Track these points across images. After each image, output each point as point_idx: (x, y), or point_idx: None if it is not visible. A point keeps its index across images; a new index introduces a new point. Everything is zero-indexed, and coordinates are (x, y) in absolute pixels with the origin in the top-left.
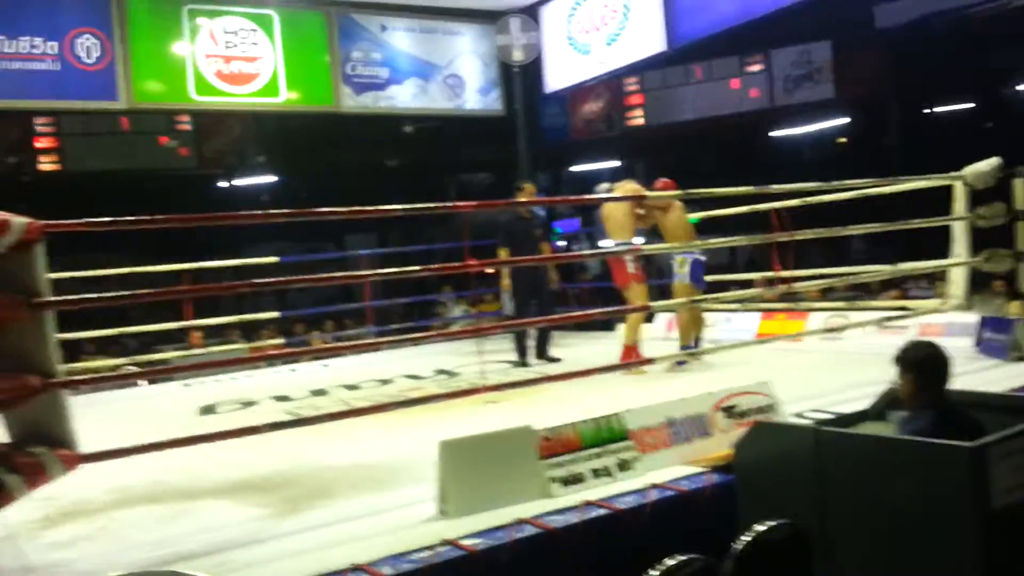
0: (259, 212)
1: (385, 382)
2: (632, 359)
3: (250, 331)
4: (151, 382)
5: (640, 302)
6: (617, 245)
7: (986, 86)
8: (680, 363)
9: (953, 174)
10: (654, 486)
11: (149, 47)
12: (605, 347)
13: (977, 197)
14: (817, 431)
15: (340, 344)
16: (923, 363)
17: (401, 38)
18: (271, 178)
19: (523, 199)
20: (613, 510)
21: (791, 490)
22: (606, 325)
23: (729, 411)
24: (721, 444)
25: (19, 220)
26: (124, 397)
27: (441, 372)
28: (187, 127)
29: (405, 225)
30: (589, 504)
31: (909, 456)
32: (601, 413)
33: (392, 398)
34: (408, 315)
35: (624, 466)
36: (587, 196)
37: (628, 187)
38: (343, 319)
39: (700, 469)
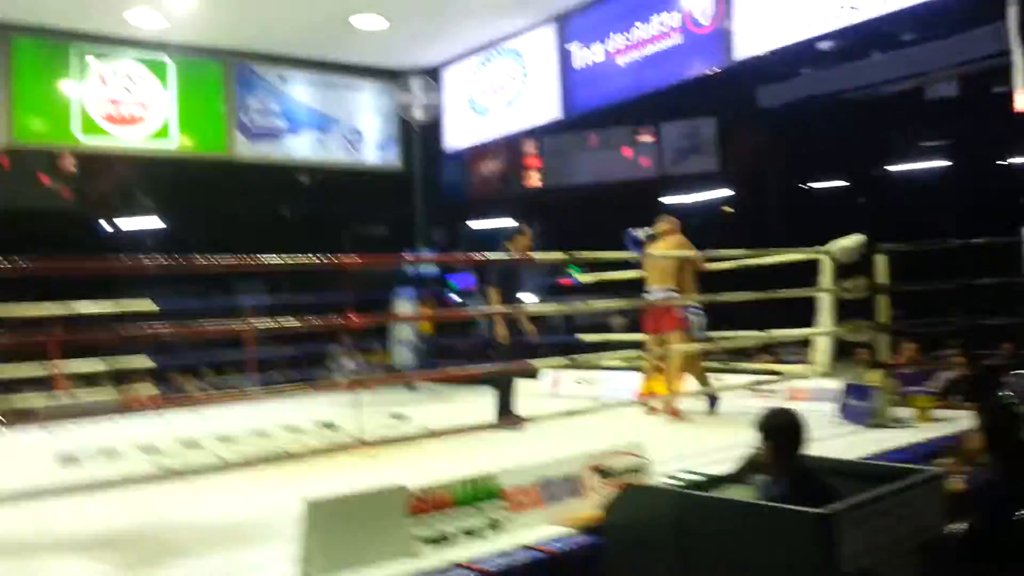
0: (122, 258)
1: (263, 434)
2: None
3: (123, 378)
4: (10, 427)
5: (680, 351)
6: (664, 292)
7: (858, 165)
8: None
9: (820, 248)
10: (523, 547)
11: (33, 85)
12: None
13: (844, 270)
14: (681, 494)
15: (216, 394)
16: (780, 431)
17: (300, 90)
18: (159, 224)
19: (518, 243)
20: (481, 571)
21: (656, 552)
22: (491, 381)
23: (602, 472)
24: (593, 505)
25: None
26: None
27: (323, 425)
28: (72, 168)
29: (297, 274)
30: (457, 566)
31: (765, 521)
32: (481, 471)
33: (269, 451)
34: (296, 366)
35: (495, 526)
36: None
37: (674, 237)
38: (224, 369)
39: (570, 530)
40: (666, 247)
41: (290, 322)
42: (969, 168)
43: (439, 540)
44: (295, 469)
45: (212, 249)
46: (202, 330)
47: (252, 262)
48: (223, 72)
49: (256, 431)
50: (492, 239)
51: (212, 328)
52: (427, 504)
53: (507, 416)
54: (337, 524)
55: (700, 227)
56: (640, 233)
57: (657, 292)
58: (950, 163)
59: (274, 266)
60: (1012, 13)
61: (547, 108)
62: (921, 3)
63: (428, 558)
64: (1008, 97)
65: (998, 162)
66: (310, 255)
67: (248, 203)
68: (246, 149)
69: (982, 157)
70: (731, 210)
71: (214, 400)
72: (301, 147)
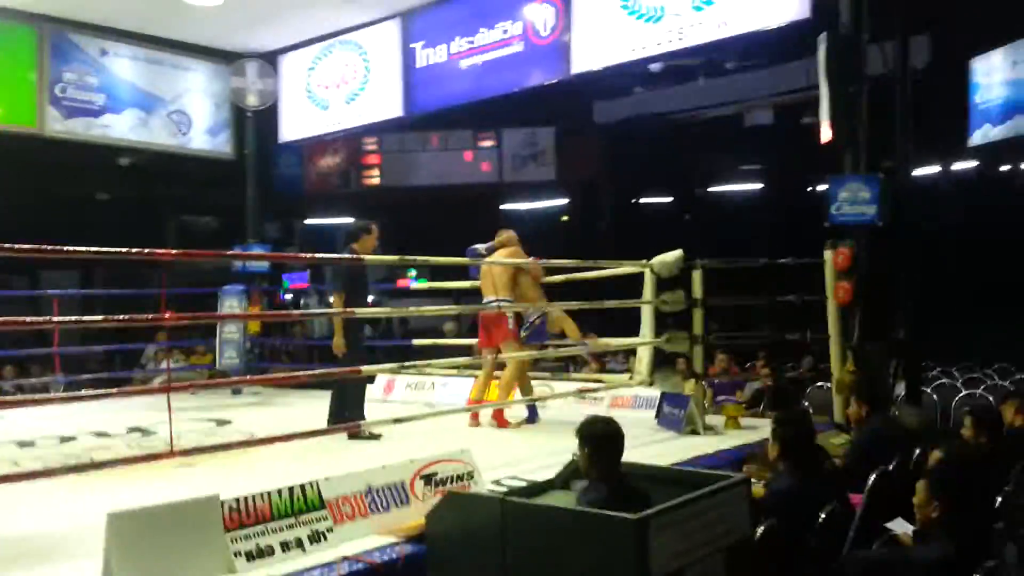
0: None
1: (67, 439)
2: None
3: None
4: None
5: (515, 360)
6: (495, 302)
7: (683, 183)
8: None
9: (643, 262)
10: (345, 558)
11: None
12: (321, 408)
13: (665, 283)
14: (503, 501)
15: (17, 394)
16: (597, 438)
17: (123, 65)
18: None
19: (365, 244)
20: None
21: (479, 560)
22: (326, 385)
23: (428, 479)
24: (419, 513)
25: None
26: None
27: (135, 430)
28: None
29: (114, 264)
30: None
31: (582, 527)
32: (305, 480)
33: (74, 458)
34: (108, 364)
35: (316, 537)
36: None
37: (510, 247)
38: (28, 365)
39: (394, 539)
40: (503, 257)
41: (101, 317)
42: (781, 192)
43: (257, 554)
44: (104, 479)
45: (20, 232)
46: (14, 322)
47: (60, 251)
48: (36, 39)
49: (61, 436)
50: (329, 236)
51: (9, 322)
52: (244, 516)
53: (344, 422)
54: (145, 538)
55: (537, 235)
56: (481, 248)
57: (489, 301)
58: (764, 186)
59: (82, 254)
60: (821, 51)
61: (388, 105)
62: (740, 34)
63: (246, 574)
64: (815, 128)
65: (807, 188)
66: (130, 246)
67: (61, 184)
68: (59, 124)
69: (792, 182)
70: (567, 218)
71: (14, 402)
72: (122, 126)
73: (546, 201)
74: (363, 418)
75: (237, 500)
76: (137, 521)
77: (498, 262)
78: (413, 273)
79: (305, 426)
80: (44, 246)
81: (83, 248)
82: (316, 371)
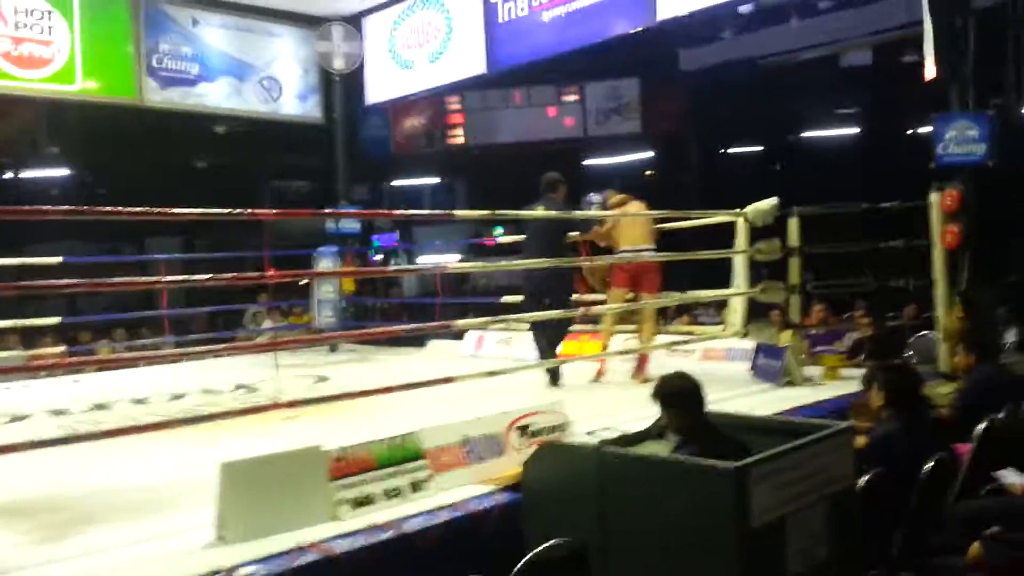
0: (37, 208)
1: (178, 396)
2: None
3: (31, 337)
4: None
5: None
6: (646, 251)
7: (774, 131)
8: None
9: (736, 211)
10: (443, 507)
11: None
12: (415, 363)
13: (758, 233)
14: (599, 451)
15: (129, 354)
16: (675, 397)
17: (214, 34)
18: (64, 172)
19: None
20: (400, 532)
21: (575, 508)
22: (417, 342)
23: (523, 430)
24: (514, 463)
25: None
26: None
27: (240, 387)
28: None
29: (214, 229)
30: (376, 527)
31: (680, 476)
32: (401, 431)
33: (184, 413)
34: (212, 325)
35: (417, 486)
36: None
37: (638, 202)
38: (138, 327)
39: (491, 488)
40: (637, 209)
41: (208, 276)
42: (880, 135)
43: (361, 502)
44: (212, 432)
45: (121, 200)
46: (111, 285)
47: (165, 213)
48: (131, 11)
49: (171, 393)
50: (415, 196)
51: (122, 283)
52: (347, 465)
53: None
54: (254, 487)
55: (623, 190)
56: (597, 198)
57: (640, 249)
58: (862, 130)
59: (187, 217)
60: None
61: (472, 63)
62: None
63: (350, 520)
64: (919, 66)
65: (908, 131)
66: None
67: (160, 152)
68: (156, 95)
69: (893, 124)
70: (651, 173)
71: (127, 361)
72: (216, 95)
73: (631, 155)
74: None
75: (341, 449)
76: (247, 470)
77: (643, 214)
78: (500, 230)
79: (399, 380)
80: (154, 208)
81: (189, 210)
82: (411, 326)
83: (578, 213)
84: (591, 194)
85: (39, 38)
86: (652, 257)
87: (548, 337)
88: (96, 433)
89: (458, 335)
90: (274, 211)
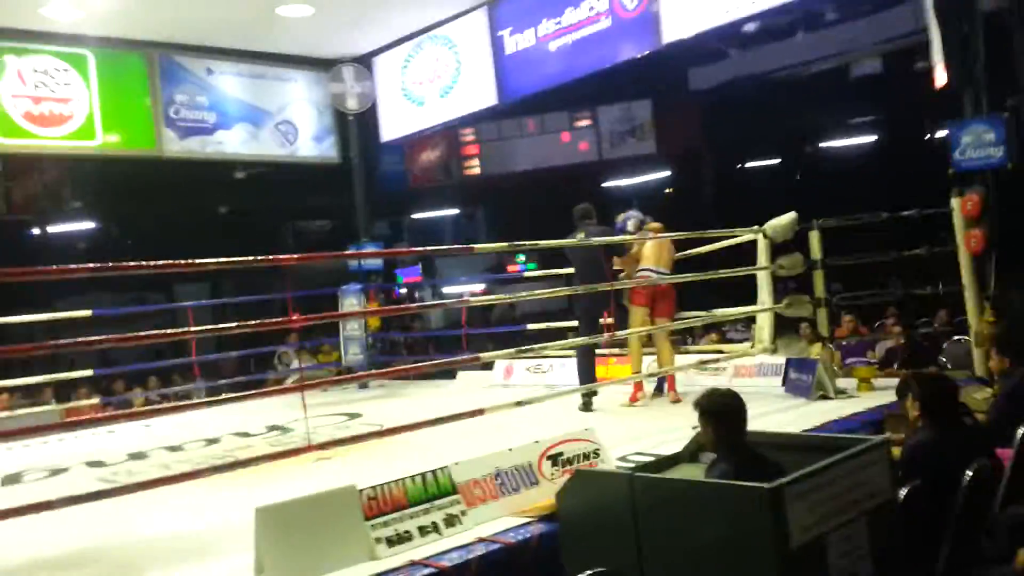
0: (66, 267)
1: (212, 441)
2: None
3: (65, 390)
4: None
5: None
6: (645, 273)
7: (789, 143)
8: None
9: (756, 228)
10: (480, 540)
11: None
12: (445, 396)
13: (780, 247)
14: (631, 477)
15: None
16: (718, 413)
17: (229, 82)
18: (89, 225)
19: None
20: (439, 568)
21: (611, 537)
22: (447, 374)
23: (555, 459)
24: (549, 493)
25: None
26: None
27: (273, 428)
28: None
29: (240, 273)
30: (414, 564)
31: (714, 499)
32: (433, 466)
33: (218, 459)
34: (243, 368)
35: (451, 521)
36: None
37: (655, 224)
38: (170, 374)
39: (527, 519)
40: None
41: (235, 324)
42: (896, 143)
43: (397, 539)
44: (248, 476)
45: (147, 250)
46: (143, 337)
47: (190, 264)
48: (146, 65)
49: (206, 439)
50: (436, 229)
51: (154, 334)
52: (381, 504)
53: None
54: (291, 529)
55: (642, 211)
56: (633, 219)
57: (652, 272)
58: (877, 139)
59: (211, 266)
60: None
61: (482, 95)
62: None
63: (387, 559)
64: (929, 73)
65: (924, 136)
66: (253, 255)
67: (181, 201)
68: (175, 145)
69: (908, 132)
70: (670, 191)
71: (160, 410)
72: (233, 141)
73: (648, 175)
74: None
75: (374, 488)
76: (283, 514)
77: (667, 235)
78: (522, 258)
79: (430, 414)
80: (179, 261)
81: (218, 260)
82: (439, 360)
83: (619, 239)
84: (629, 212)
85: (57, 96)
86: (677, 278)
87: (589, 362)
88: (130, 485)
89: (487, 365)
90: (295, 256)
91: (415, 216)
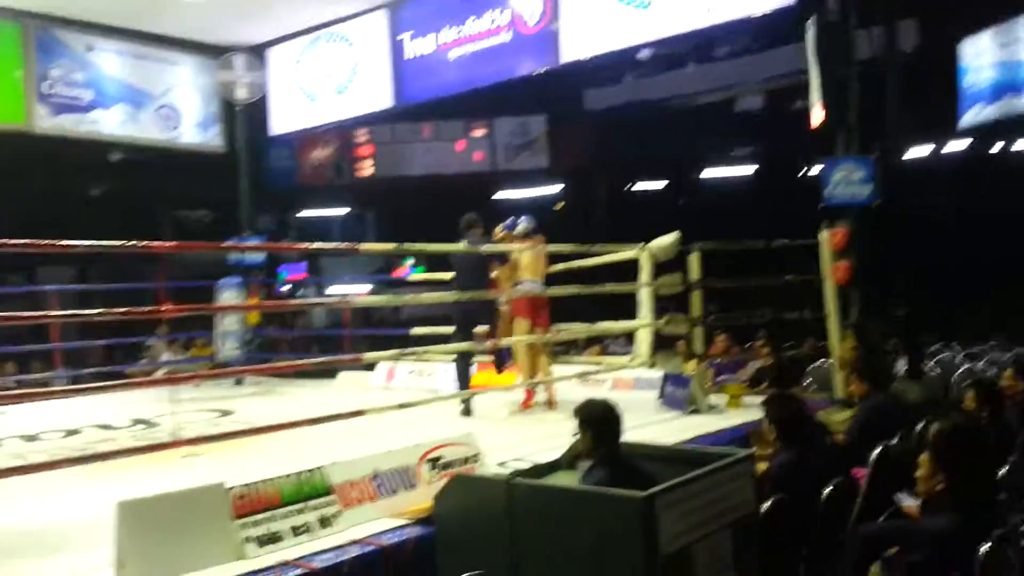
0: None
1: (71, 432)
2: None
3: None
4: None
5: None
6: (529, 285)
7: (677, 169)
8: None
9: (640, 246)
10: (354, 542)
11: None
12: (325, 395)
13: (663, 267)
14: (509, 483)
15: (19, 389)
16: (596, 420)
17: (109, 60)
18: None
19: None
20: (310, 569)
21: (487, 541)
22: (327, 374)
23: (434, 462)
24: (426, 496)
25: None
26: None
27: (139, 422)
28: None
29: (109, 259)
30: (286, 564)
31: (589, 506)
32: (309, 466)
33: (78, 451)
34: (109, 358)
35: (325, 522)
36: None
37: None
38: (29, 360)
39: (403, 522)
40: (536, 245)
41: (99, 311)
42: (774, 175)
43: (267, 540)
44: (110, 471)
45: (13, 228)
46: (16, 317)
47: (60, 245)
48: (21, 35)
49: (66, 430)
50: (323, 228)
51: (13, 315)
52: (252, 503)
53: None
54: (155, 526)
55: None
56: (523, 225)
57: (535, 284)
58: (758, 169)
59: (81, 249)
60: (810, 35)
61: (378, 97)
62: (727, 21)
63: (257, 558)
64: (806, 112)
65: (799, 172)
66: (126, 240)
67: (52, 181)
68: (47, 121)
69: (785, 165)
70: (562, 205)
71: (17, 397)
72: (110, 122)
73: (539, 189)
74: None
75: (245, 486)
76: (146, 510)
77: (546, 248)
78: (411, 262)
79: (307, 414)
80: (43, 240)
81: (86, 243)
82: (319, 359)
83: (496, 247)
84: (523, 216)
85: None
86: (563, 291)
87: (467, 367)
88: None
89: (368, 367)
90: (174, 243)
91: (302, 214)
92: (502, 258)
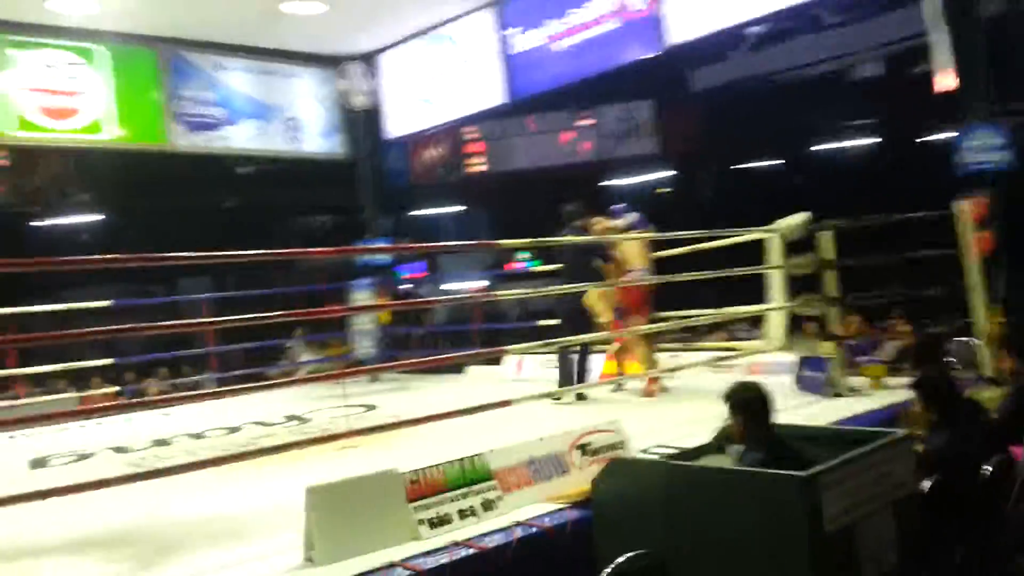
0: (82, 258)
1: (233, 430)
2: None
3: (79, 379)
4: None
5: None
6: (639, 273)
7: (792, 145)
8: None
9: (771, 227)
10: (518, 524)
11: None
12: (460, 388)
13: (790, 247)
14: (667, 465)
15: (177, 392)
16: (748, 403)
17: (237, 78)
18: (95, 217)
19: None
20: (480, 549)
21: (645, 522)
22: (455, 368)
23: (584, 448)
24: (579, 480)
25: None
26: None
27: (292, 418)
28: (3, 162)
29: (241, 268)
30: (457, 544)
31: (750, 486)
32: (457, 455)
33: (242, 447)
34: (252, 360)
35: (488, 506)
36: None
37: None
38: (180, 365)
39: (561, 505)
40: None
41: (257, 316)
42: (895, 146)
43: (438, 522)
44: (272, 464)
45: (154, 242)
46: (162, 328)
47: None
48: (156, 61)
49: (226, 427)
50: (434, 226)
51: (180, 324)
52: (423, 487)
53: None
54: (340, 509)
55: (645, 210)
56: (624, 220)
57: (643, 272)
58: (879, 141)
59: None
60: None
61: (490, 94)
62: None
63: (429, 539)
64: (928, 77)
65: (925, 138)
66: (256, 248)
67: (189, 195)
68: (184, 140)
69: (909, 134)
70: (666, 190)
71: (176, 399)
72: (241, 137)
73: (648, 175)
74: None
75: (415, 472)
76: (332, 493)
77: (645, 236)
78: (527, 255)
79: (447, 406)
80: (186, 253)
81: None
82: (456, 355)
83: (603, 238)
84: (632, 212)
85: (69, 90)
86: (689, 276)
87: (583, 360)
88: (178, 467)
89: (496, 360)
90: (322, 250)
91: (415, 212)
92: (605, 249)
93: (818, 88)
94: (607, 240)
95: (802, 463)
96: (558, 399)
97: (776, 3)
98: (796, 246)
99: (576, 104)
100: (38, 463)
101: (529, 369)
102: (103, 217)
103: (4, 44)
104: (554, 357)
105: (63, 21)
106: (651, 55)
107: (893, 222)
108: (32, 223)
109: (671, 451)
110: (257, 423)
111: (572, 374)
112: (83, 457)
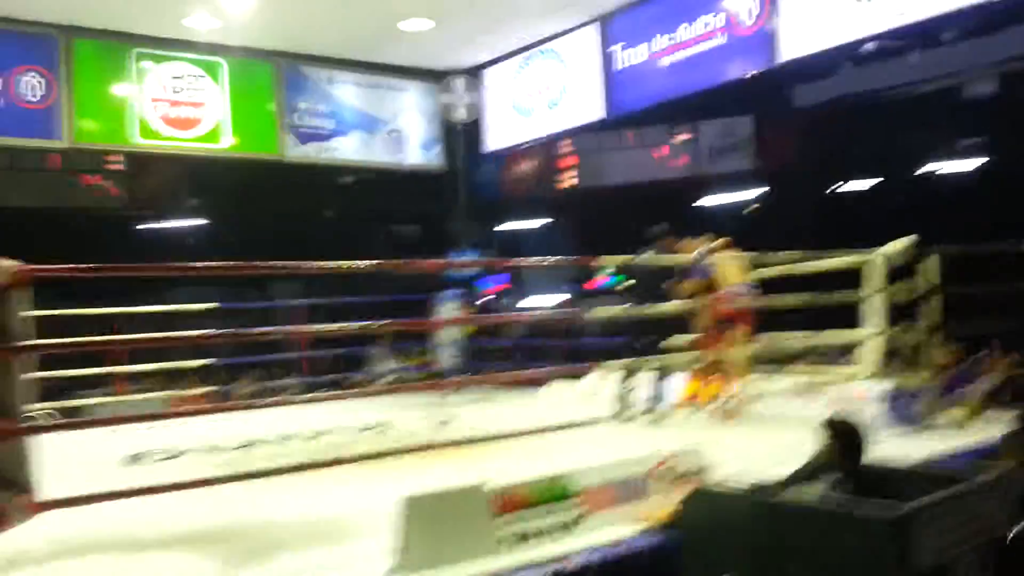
0: (193, 265)
1: (319, 434)
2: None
3: (171, 377)
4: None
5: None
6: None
7: (895, 165)
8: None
9: (878, 251)
10: (602, 544)
11: (93, 88)
12: (535, 403)
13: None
14: (753, 497)
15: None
16: (846, 434)
17: (347, 91)
18: (201, 221)
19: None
20: (565, 567)
21: (733, 552)
22: (533, 381)
23: (666, 472)
24: (661, 503)
25: (4, 264)
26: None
27: (373, 425)
28: (120, 167)
29: (332, 275)
30: (542, 563)
31: (839, 522)
32: (535, 470)
33: (323, 452)
34: (336, 366)
35: (570, 525)
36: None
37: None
38: (269, 368)
39: (642, 528)
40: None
41: (360, 325)
42: (1007, 168)
43: (522, 538)
44: (352, 470)
45: (250, 248)
46: (265, 333)
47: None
48: (273, 73)
49: (314, 431)
50: (523, 239)
51: (277, 331)
52: (508, 503)
53: None
54: (431, 520)
55: (736, 228)
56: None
57: (745, 288)
58: (989, 161)
59: (352, 270)
60: None
61: (590, 108)
62: (968, 5)
63: (511, 556)
64: None
65: None
66: (346, 257)
67: (291, 204)
68: (295, 150)
69: (1019, 156)
70: (758, 207)
71: (264, 402)
72: (348, 148)
73: (744, 192)
74: None
75: (502, 487)
76: (425, 504)
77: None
78: (610, 270)
79: (525, 419)
80: (281, 263)
81: (344, 264)
82: (539, 371)
83: (687, 257)
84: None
85: (192, 100)
86: (786, 301)
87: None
88: (281, 468)
89: (577, 376)
90: (438, 261)
91: (503, 227)
92: (683, 272)
93: (925, 106)
94: (706, 261)
95: (892, 501)
96: (639, 418)
97: (893, 20)
98: (895, 272)
99: (672, 120)
100: (133, 459)
101: (609, 386)
102: (208, 222)
103: (142, 57)
104: (635, 375)
105: (193, 36)
106: (761, 71)
107: (1001, 251)
108: (143, 226)
109: (756, 479)
110: (340, 428)
111: (647, 394)
112: (172, 456)
